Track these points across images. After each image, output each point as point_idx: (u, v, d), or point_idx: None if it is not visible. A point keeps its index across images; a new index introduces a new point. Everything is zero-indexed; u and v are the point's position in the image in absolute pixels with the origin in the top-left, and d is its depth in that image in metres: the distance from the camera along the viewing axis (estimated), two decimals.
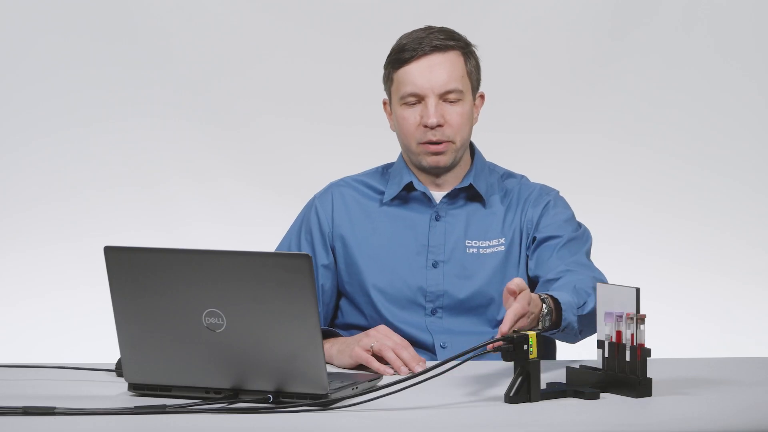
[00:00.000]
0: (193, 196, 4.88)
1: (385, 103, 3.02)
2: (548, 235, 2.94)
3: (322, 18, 4.87)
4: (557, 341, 3.01)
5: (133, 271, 2.31)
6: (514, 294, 2.46)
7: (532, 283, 2.95)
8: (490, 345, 2.36)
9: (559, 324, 2.66)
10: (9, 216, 4.83)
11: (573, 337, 2.74)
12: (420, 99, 2.92)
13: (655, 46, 4.89)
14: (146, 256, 2.32)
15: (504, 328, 2.40)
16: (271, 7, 4.86)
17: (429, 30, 2.95)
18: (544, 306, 2.62)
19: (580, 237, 2.97)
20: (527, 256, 2.97)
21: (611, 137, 4.93)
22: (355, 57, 4.84)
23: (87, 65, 4.81)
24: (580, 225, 3.01)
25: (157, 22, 4.82)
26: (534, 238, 2.96)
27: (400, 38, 2.96)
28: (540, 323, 2.62)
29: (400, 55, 2.93)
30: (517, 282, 2.48)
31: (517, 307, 2.45)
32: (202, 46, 4.85)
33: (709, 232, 4.95)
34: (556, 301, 2.67)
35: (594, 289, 2.61)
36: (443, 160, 2.94)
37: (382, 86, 3.03)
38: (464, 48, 2.95)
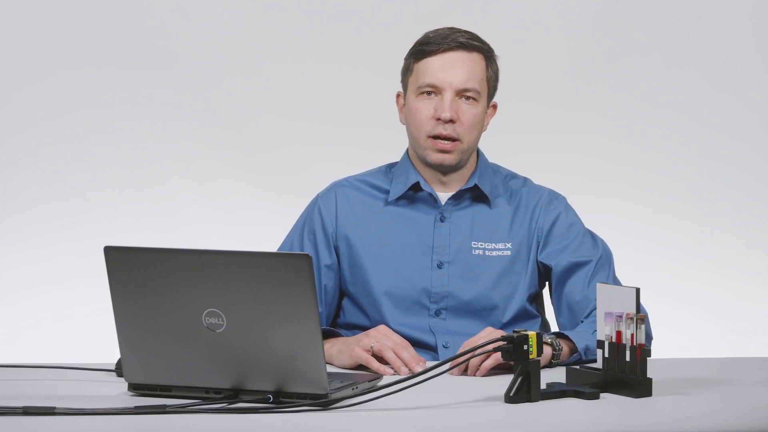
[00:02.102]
0: (193, 196, 4.88)
1: (398, 96, 3.02)
2: (575, 261, 2.95)
3: (322, 18, 4.87)
4: None
5: (133, 271, 2.31)
6: None
7: (559, 297, 2.98)
8: (490, 345, 2.37)
9: (576, 349, 2.72)
10: (9, 216, 4.83)
11: None
12: (437, 92, 2.92)
13: (655, 46, 4.89)
14: (146, 256, 2.32)
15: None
16: (271, 7, 4.86)
17: (455, 29, 2.96)
18: (546, 336, 2.70)
19: (605, 256, 2.99)
20: (537, 263, 2.98)
21: (611, 137, 4.93)
22: (355, 57, 4.84)
23: (87, 65, 4.81)
24: (593, 236, 3.01)
25: (157, 22, 4.82)
26: (550, 265, 2.97)
27: (426, 33, 2.98)
28: (552, 348, 2.69)
29: (424, 47, 2.94)
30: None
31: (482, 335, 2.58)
32: (202, 46, 4.84)
33: (709, 233, 4.95)
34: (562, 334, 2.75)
35: None
36: (448, 159, 2.94)
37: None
38: (487, 53, 2.97)
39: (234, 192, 4.89)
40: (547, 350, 2.69)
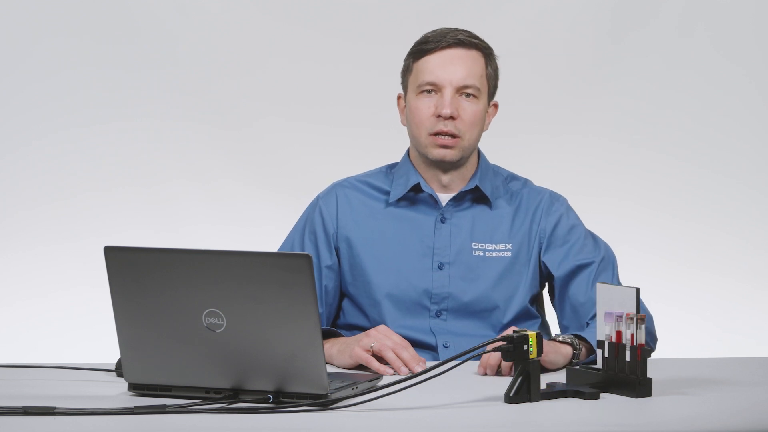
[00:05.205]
0: (193, 196, 4.88)
1: (399, 98, 3.03)
2: (578, 264, 2.96)
3: (325, 19, 4.87)
4: None
5: (133, 271, 2.31)
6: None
7: (562, 300, 2.98)
8: (490, 345, 2.37)
9: (593, 350, 2.72)
10: (9, 216, 4.83)
11: None
12: (437, 89, 2.92)
13: (654, 46, 4.89)
14: (146, 256, 2.32)
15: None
16: (274, 8, 4.86)
17: (453, 28, 2.97)
18: (565, 336, 2.72)
19: (608, 259, 2.99)
20: (540, 263, 2.98)
21: (611, 137, 4.93)
22: (357, 59, 4.84)
23: (87, 65, 4.81)
24: (594, 237, 3.01)
25: (159, 23, 4.82)
26: (553, 269, 2.97)
27: (425, 33, 2.99)
28: (572, 347, 2.71)
29: (423, 46, 2.96)
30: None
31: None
32: (204, 47, 4.84)
33: (709, 232, 4.95)
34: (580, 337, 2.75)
35: None
36: (449, 155, 2.94)
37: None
38: (486, 50, 2.98)
39: (234, 192, 4.89)
40: (567, 350, 2.68)
